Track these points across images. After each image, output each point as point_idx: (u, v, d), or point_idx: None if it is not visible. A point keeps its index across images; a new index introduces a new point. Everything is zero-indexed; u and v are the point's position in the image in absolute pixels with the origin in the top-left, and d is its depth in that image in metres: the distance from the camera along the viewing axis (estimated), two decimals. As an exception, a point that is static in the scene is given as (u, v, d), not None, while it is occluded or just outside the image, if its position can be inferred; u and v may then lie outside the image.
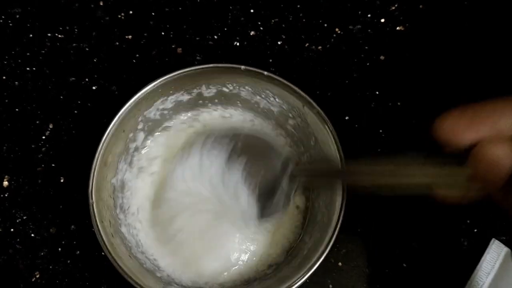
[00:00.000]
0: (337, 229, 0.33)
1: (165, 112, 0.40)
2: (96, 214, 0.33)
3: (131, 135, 0.39)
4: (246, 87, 0.39)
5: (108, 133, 0.35)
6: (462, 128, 0.22)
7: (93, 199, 0.33)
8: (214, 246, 0.37)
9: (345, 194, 0.33)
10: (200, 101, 0.41)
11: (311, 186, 0.39)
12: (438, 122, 0.23)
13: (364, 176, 0.31)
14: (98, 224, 0.33)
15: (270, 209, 0.36)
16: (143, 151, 0.40)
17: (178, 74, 0.36)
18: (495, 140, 0.22)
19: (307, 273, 0.32)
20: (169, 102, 0.39)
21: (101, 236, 0.33)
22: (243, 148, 0.37)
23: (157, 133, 0.41)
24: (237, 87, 0.39)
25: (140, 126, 0.39)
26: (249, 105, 0.41)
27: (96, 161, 0.34)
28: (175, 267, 0.37)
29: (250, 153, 0.37)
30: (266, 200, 0.36)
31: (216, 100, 0.41)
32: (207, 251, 0.37)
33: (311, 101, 0.35)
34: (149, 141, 0.41)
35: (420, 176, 0.26)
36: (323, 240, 0.33)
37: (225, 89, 0.39)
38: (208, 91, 0.40)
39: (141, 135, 0.40)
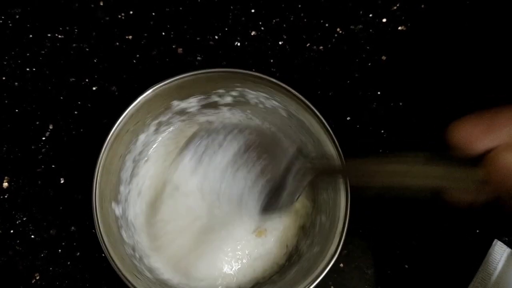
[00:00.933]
0: (341, 242, 0.33)
1: (193, 104, 0.40)
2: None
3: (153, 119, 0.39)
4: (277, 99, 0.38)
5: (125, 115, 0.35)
6: (478, 135, 0.22)
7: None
8: (209, 252, 0.37)
9: (348, 204, 0.33)
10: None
11: (316, 185, 0.38)
12: (453, 128, 0.23)
13: (370, 176, 0.29)
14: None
15: (274, 206, 0.35)
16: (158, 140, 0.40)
17: (216, 71, 0.36)
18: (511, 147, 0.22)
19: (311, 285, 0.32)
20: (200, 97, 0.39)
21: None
22: (250, 144, 0.36)
23: (179, 122, 0.41)
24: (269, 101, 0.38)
25: (168, 112, 0.39)
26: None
27: (112, 134, 0.34)
28: (163, 263, 0.37)
29: (258, 149, 0.36)
30: (271, 198, 0.35)
31: (250, 110, 0.41)
32: (201, 257, 0.37)
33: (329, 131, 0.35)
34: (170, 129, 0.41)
35: (431, 178, 0.25)
36: (326, 251, 0.33)
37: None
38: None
39: (166, 120, 0.40)
